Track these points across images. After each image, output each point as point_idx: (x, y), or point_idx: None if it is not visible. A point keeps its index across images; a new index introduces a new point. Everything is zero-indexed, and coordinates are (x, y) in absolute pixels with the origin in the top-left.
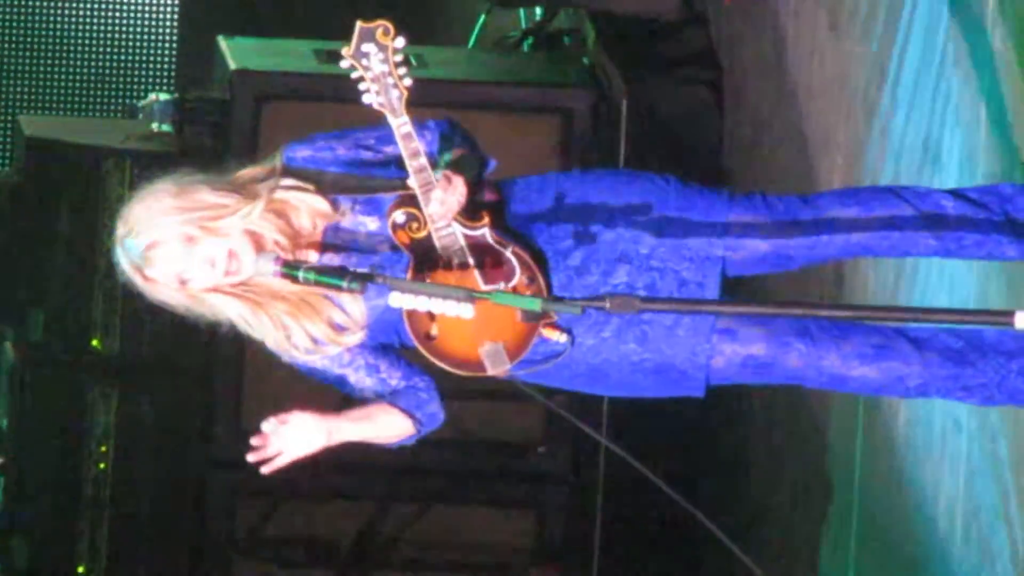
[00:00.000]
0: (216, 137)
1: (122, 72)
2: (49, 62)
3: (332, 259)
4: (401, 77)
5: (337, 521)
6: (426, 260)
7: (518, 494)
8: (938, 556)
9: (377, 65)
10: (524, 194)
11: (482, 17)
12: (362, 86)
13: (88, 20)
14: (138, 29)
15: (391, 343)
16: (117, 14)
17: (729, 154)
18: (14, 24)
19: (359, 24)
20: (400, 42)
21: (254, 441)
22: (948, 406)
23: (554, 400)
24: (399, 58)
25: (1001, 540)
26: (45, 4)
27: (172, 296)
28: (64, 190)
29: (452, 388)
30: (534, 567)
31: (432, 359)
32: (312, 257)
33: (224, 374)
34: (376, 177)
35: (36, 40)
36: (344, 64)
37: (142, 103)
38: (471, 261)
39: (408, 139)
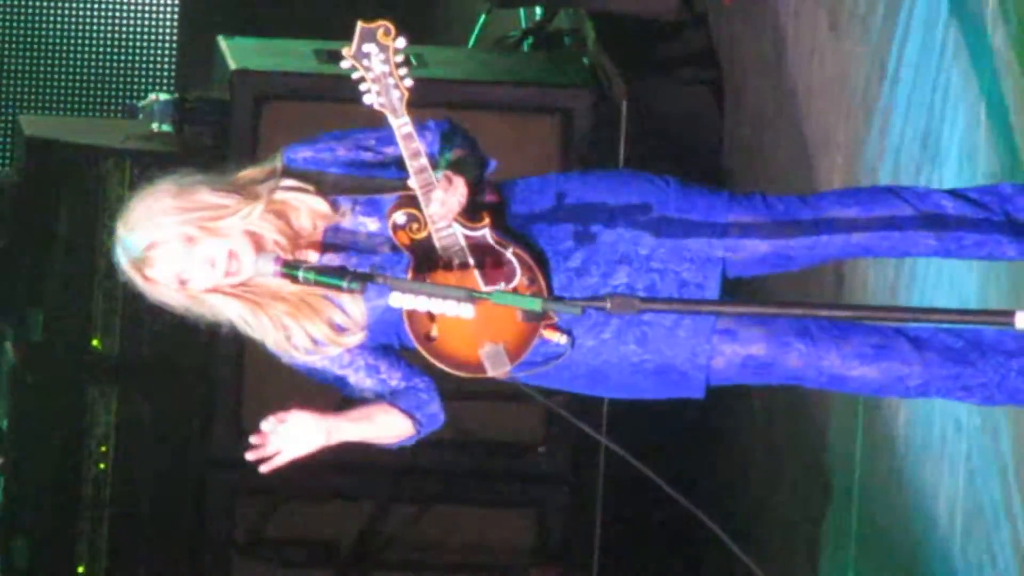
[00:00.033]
0: (216, 137)
1: (122, 72)
2: (49, 62)
3: (332, 259)
4: (402, 78)
5: (337, 521)
6: (426, 261)
7: (518, 494)
8: (938, 556)
9: (378, 65)
10: (524, 195)
11: (482, 17)
12: (363, 86)
13: (88, 20)
14: (138, 29)
15: (391, 344)
16: (117, 14)
17: (729, 154)
18: (14, 24)
19: (360, 24)
20: (401, 42)
21: (253, 440)
22: (948, 406)
23: (554, 400)
24: (400, 58)
25: (1001, 539)
26: (45, 4)
27: (172, 296)
28: (64, 190)
29: (452, 388)
30: (534, 567)
31: (432, 360)
32: (312, 257)
33: (224, 374)
34: (377, 178)
35: (36, 40)
36: (345, 64)
37: (142, 103)
38: (471, 262)
39: (409, 139)
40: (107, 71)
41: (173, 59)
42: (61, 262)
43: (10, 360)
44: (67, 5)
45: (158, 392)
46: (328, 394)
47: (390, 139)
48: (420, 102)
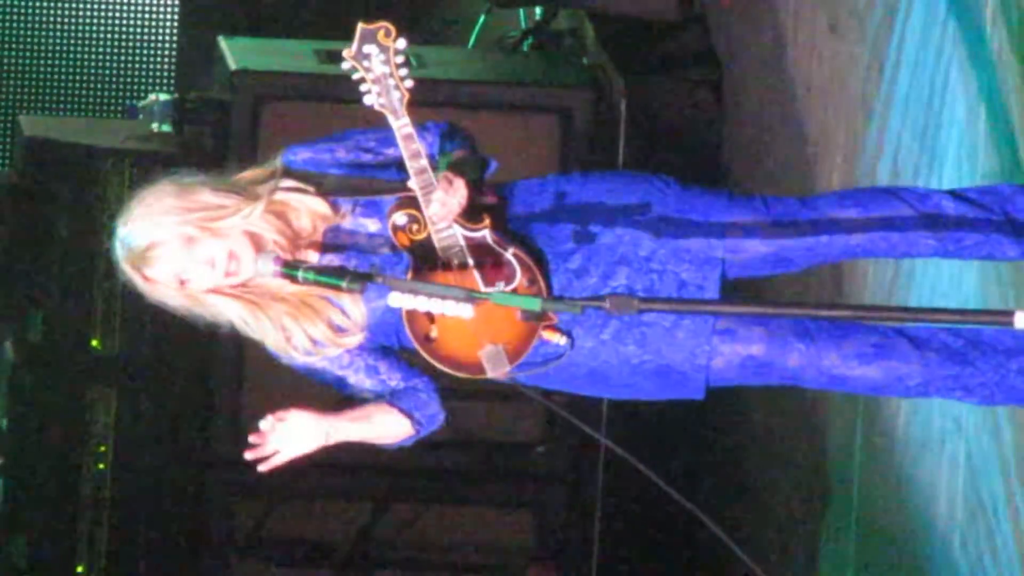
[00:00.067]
0: (216, 137)
1: (122, 72)
2: (49, 62)
3: (332, 260)
4: (402, 78)
5: (336, 521)
6: (426, 262)
7: (517, 494)
8: (938, 555)
9: (378, 66)
10: (524, 196)
11: (482, 17)
12: (363, 87)
13: (88, 20)
14: (138, 29)
15: (391, 345)
16: (117, 14)
17: (728, 154)
18: (14, 24)
19: (360, 25)
20: (401, 43)
21: (252, 439)
22: (947, 405)
23: (553, 400)
24: (400, 59)
25: (1001, 539)
26: (45, 4)
27: (172, 296)
28: (64, 190)
29: (451, 388)
30: (533, 567)
31: (431, 361)
32: (312, 258)
33: (223, 374)
34: (376, 179)
35: (36, 40)
36: (345, 65)
37: (142, 103)
38: (471, 262)
39: (409, 140)
40: (107, 71)
41: (173, 59)
42: (61, 262)
43: (10, 360)
44: (66, 5)
45: (157, 392)
46: (327, 394)
47: (390, 140)
48: (420, 102)
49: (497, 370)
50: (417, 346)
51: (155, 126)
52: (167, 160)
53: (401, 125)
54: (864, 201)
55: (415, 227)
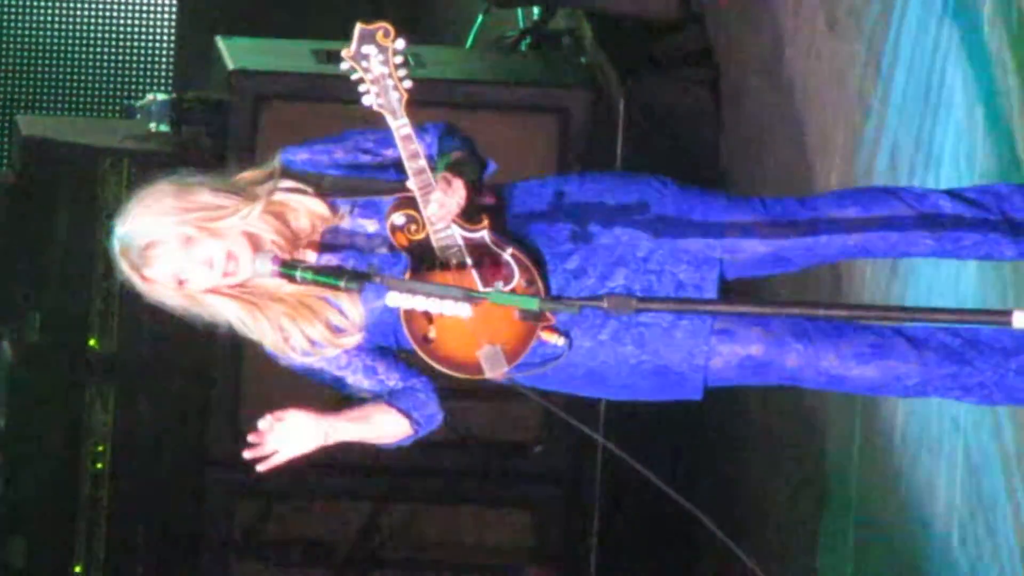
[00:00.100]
0: (214, 137)
1: (120, 72)
2: (47, 62)
3: (330, 260)
4: (401, 79)
5: (335, 521)
6: (424, 262)
7: (516, 494)
8: (937, 555)
9: (377, 67)
10: (523, 197)
11: (480, 17)
12: (362, 88)
13: (86, 20)
14: (136, 29)
15: (389, 346)
16: (115, 14)
17: (726, 154)
18: (12, 24)
19: (359, 25)
20: (400, 44)
21: (251, 438)
22: (946, 405)
23: (551, 401)
24: (399, 60)
25: (1000, 538)
26: (43, 4)
27: (170, 296)
28: (61, 190)
29: (449, 388)
30: (531, 567)
31: (430, 362)
32: (310, 258)
33: (222, 374)
34: (375, 179)
35: (34, 40)
36: (344, 66)
37: (140, 103)
38: (469, 263)
39: (408, 141)
40: (105, 71)
41: (171, 59)
42: (59, 262)
43: (8, 360)
44: (64, 5)
45: (156, 392)
46: (325, 394)
47: (388, 141)
48: (418, 102)
49: (495, 371)
50: (415, 347)
51: (153, 126)
52: (165, 160)
53: (400, 125)
54: (862, 201)
55: (413, 227)
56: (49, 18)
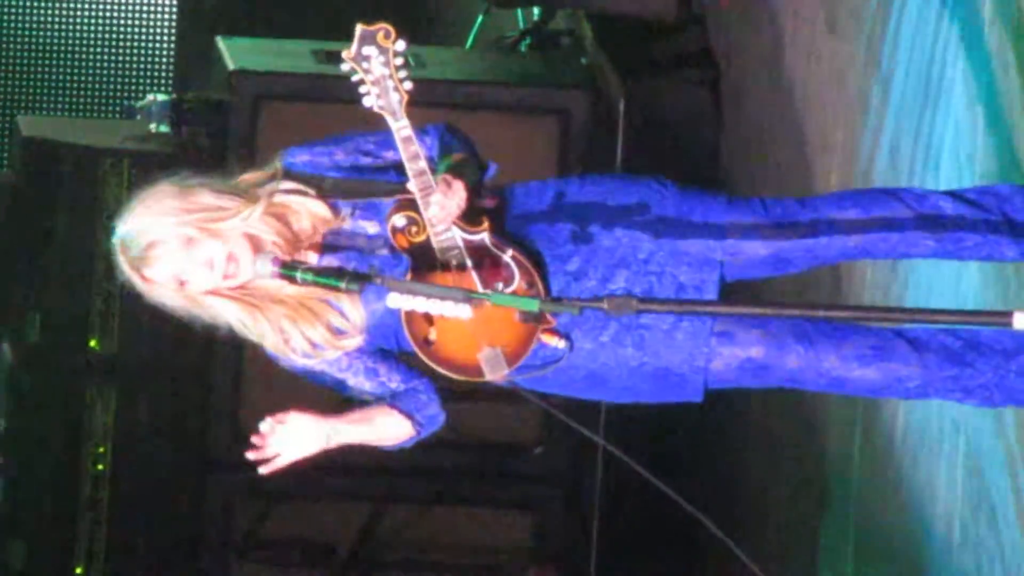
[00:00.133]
0: (214, 137)
1: (120, 73)
2: (47, 63)
3: (331, 262)
4: (401, 80)
5: (335, 522)
6: (425, 264)
7: (516, 495)
8: (936, 557)
9: (378, 68)
10: (524, 199)
11: (480, 18)
12: (362, 89)
13: (86, 21)
14: (136, 30)
15: (390, 348)
16: (115, 15)
17: (727, 154)
18: (12, 25)
19: (360, 27)
20: (401, 45)
21: (254, 440)
22: (946, 405)
23: (551, 402)
24: (400, 61)
25: (999, 541)
26: (43, 5)
27: (170, 297)
28: (62, 191)
29: (450, 389)
30: (532, 568)
31: (430, 364)
32: (311, 259)
33: (222, 375)
34: (375, 181)
35: (34, 40)
36: (344, 67)
37: (140, 104)
38: (470, 265)
39: (408, 142)
40: (105, 72)
41: (171, 59)
42: (59, 263)
43: (8, 361)
44: (64, 6)
45: (156, 393)
46: (326, 395)
47: (389, 143)
48: (418, 102)
49: (496, 373)
50: (416, 349)
51: (153, 126)
52: (165, 160)
53: (400, 127)
54: (863, 202)
55: (414, 229)
56: (49, 19)
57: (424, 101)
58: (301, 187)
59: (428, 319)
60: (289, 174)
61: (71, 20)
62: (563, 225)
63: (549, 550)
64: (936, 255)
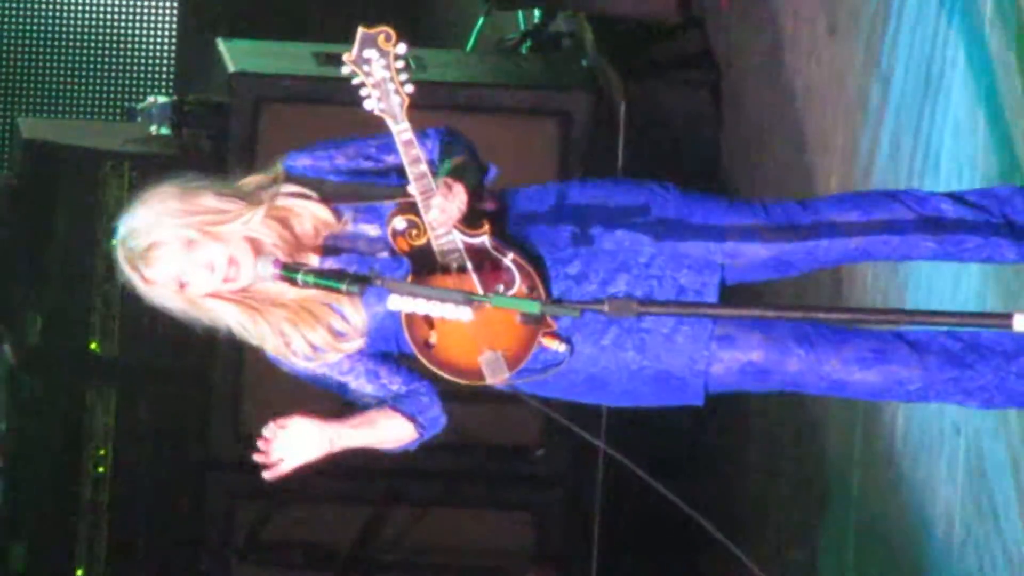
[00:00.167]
0: (215, 140)
1: (120, 75)
2: (47, 65)
3: (332, 265)
4: (402, 83)
5: (335, 524)
6: (425, 267)
7: (517, 497)
8: (937, 558)
9: (378, 71)
10: (524, 203)
11: (480, 20)
12: (363, 92)
13: (86, 23)
14: (137, 32)
15: (391, 351)
16: (116, 17)
17: (727, 156)
18: (13, 26)
19: (361, 30)
20: (402, 48)
21: (260, 445)
22: (947, 407)
23: (552, 405)
24: (400, 64)
25: (1000, 543)
26: (44, 6)
27: (170, 299)
28: (62, 193)
29: (451, 391)
30: (533, 569)
31: (431, 367)
32: (312, 261)
33: (223, 377)
34: (376, 185)
35: (34, 42)
36: (345, 70)
37: (140, 106)
38: (470, 268)
39: (409, 145)
40: (105, 74)
41: (172, 61)
42: (59, 265)
43: (9, 363)
44: (65, 8)
45: (157, 395)
46: (327, 397)
47: (390, 147)
48: (418, 104)
49: (496, 376)
50: (416, 352)
51: (154, 129)
52: (166, 163)
53: (401, 130)
54: (864, 204)
55: (414, 232)
56: (50, 21)
57: (425, 103)
58: (304, 190)
59: (428, 322)
60: (290, 177)
61: (72, 22)
62: (564, 228)
63: (550, 552)
64: (937, 257)
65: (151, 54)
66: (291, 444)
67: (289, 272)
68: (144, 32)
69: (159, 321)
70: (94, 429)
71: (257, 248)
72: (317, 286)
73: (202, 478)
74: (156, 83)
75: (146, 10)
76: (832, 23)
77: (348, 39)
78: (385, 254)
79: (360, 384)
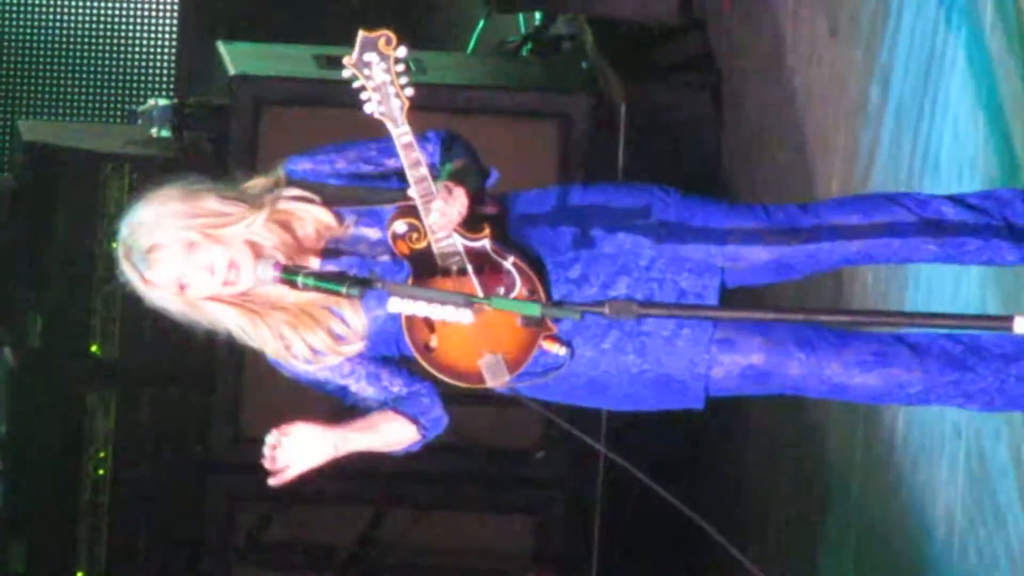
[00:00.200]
0: (215, 142)
1: (121, 77)
2: (48, 67)
3: (332, 268)
4: (403, 87)
5: (336, 526)
6: (426, 270)
7: (517, 499)
8: (937, 558)
9: (379, 75)
10: (525, 206)
11: (481, 22)
12: (363, 95)
13: (87, 25)
14: (137, 34)
15: (391, 355)
16: (116, 19)
17: (728, 159)
18: (13, 28)
19: (361, 33)
20: (402, 52)
21: (265, 452)
22: (947, 410)
23: (552, 407)
24: (401, 68)
25: (1000, 545)
26: (44, 8)
27: (170, 301)
28: (63, 195)
29: (451, 393)
30: (532, 572)
31: (431, 370)
32: (313, 264)
33: (223, 379)
34: (377, 188)
35: (35, 44)
36: (346, 73)
37: (141, 108)
38: (471, 272)
39: (409, 149)
40: (106, 76)
41: (172, 64)
42: (60, 267)
43: (9, 365)
44: (65, 10)
45: (157, 397)
46: (327, 400)
47: (390, 150)
48: (419, 107)
49: (497, 380)
50: (417, 356)
51: (154, 131)
52: (166, 165)
53: (401, 133)
54: (865, 207)
55: (415, 236)
56: (50, 23)
57: (426, 105)
58: (306, 194)
59: (429, 326)
60: (291, 181)
61: (72, 25)
62: (565, 231)
63: (550, 554)
64: (938, 260)
65: (151, 56)
66: (296, 451)
67: (289, 275)
68: (144, 34)
69: (160, 324)
70: (94, 431)
71: (258, 252)
72: (317, 289)
73: (202, 480)
74: (156, 85)
75: (146, 12)
76: (833, 25)
77: (349, 41)
78: (386, 257)
79: (361, 387)
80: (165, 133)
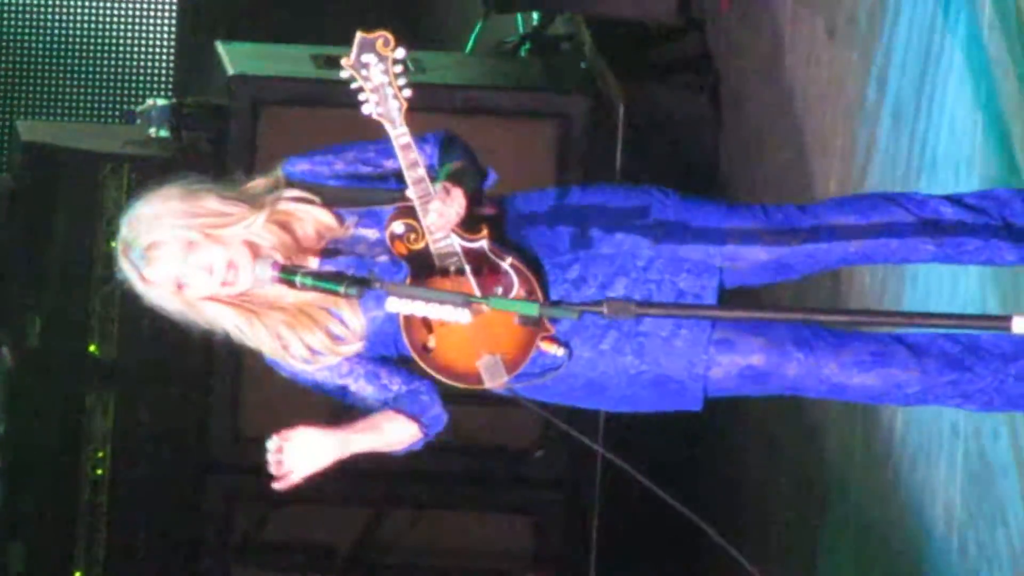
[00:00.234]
0: (214, 142)
1: (120, 77)
2: (47, 67)
3: (330, 268)
4: (401, 88)
5: (334, 526)
6: (424, 271)
7: (515, 499)
8: (936, 558)
9: (377, 76)
10: (523, 207)
11: (479, 22)
12: (361, 96)
13: (85, 25)
14: (136, 34)
15: (389, 355)
16: (115, 19)
17: (726, 159)
18: (11, 29)
19: (359, 34)
20: (400, 53)
21: (269, 457)
22: (945, 409)
23: (551, 408)
24: (399, 69)
25: (999, 545)
26: (43, 9)
27: (168, 300)
28: (61, 195)
29: (449, 393)
30: (531, 572)
31: (429, 371)
32: (311, 264)
33: (222, 379)
34: (375, 189)
35: (34, 45)
36: (344, 74)
37: (140, 108)
38: (469, 272)
39: (407, 150)
40: (105, 76)
41: (171, 64)
42: (58, 267)
43: (7, 365)
44: (64, 10)
45: (155, 397)
46: (327, 400)
47: (389, 151)
48: (417, 107)
49: (495, 381)
50: (415, 356)
51: (153, 131)
52: (165, 165)
53: (399, 134)
54: (863, 208)
55: (413, 236)
56: (49, 23)
57: (424, 106)
58: (307, 195)
59: (427, 326)
60: (290, 183)
61: (71, 25)
62: (563, 232)
63: (549, 554)
64: (936, 260)
65: (150, 56)
66: (299, 455)
67: (287, 274)
68: (143, 35)
69: (158, 323)
70: (93, 431)
71: (256, 252)
72: (315, 288)
73: (201, 480)
74: (155, 85)
75: (145, 13)
76: (831, 25)
77: (347, 41)
78: (384, 258)
79: (360, 386)
80: (164, 133)
